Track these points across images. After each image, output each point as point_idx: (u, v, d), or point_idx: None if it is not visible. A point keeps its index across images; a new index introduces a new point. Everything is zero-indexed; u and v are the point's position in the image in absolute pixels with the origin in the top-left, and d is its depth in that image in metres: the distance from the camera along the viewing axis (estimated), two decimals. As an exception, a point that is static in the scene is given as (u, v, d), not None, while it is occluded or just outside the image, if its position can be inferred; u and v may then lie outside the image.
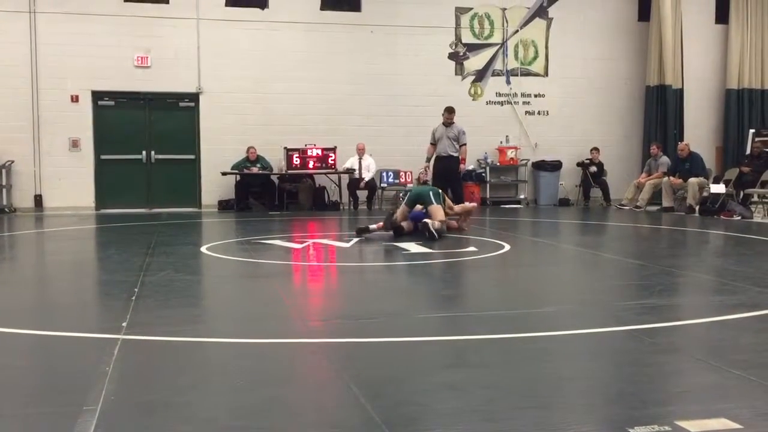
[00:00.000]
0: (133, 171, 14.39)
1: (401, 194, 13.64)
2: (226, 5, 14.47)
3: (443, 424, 2.67)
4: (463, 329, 4.21)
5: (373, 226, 9.01)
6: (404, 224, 9.10)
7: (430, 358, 3.70)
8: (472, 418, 2.73)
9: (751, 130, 15.68)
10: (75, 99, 13.94)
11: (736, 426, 2.60)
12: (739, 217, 11.88)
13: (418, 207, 9.24)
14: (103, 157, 14.21)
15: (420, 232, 8.82)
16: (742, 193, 13.00)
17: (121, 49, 13.95)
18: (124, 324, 4.23)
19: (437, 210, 9.00)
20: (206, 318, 4.85)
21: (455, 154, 11.64)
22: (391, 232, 8.98)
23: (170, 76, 14.23)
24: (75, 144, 14.00)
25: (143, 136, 14.43)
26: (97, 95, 14.12)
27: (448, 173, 11.83)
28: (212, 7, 14.35)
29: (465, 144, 11.71)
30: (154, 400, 2.97)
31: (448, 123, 11.81)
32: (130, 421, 2.76)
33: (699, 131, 16.25)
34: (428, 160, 12.24)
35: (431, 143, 12.26)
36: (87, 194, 14.10)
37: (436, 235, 8.55)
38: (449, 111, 11.88)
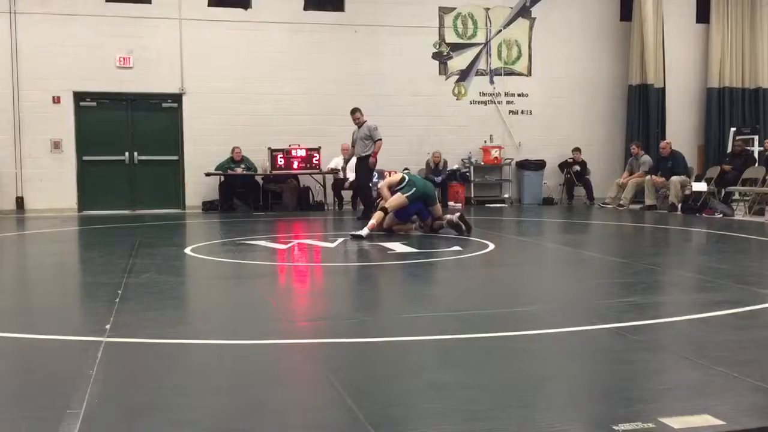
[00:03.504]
0: (115, 172, 14.30)
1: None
2: (209, 5, 14.40)
3: (428, 424, 2.67)
4: (447, 329, 4.22)
5: (365, 231, 8.87)
6: (396, 228, 9.31)
7: (415, 358, 3.71)
8: (457, 417, 2.74)
9: (732, 129, 15.82)
10: (57, 100, 13.82)
11: (719, 422, 2.63)
12: (721, 215, 11.99)
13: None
14: (85, 158, 14.11)
15: (422, 228, 9.47)
16: (723, 191, 13.11)
17: (103, 50, 13.86)
18: (108, 326, 4.20)
19: (439, 209, 9.50)
20: (190, 320, 4.83)
21: (363, 154, 11.61)
22: (380, 230, 9.15)
23: (153, 76, 14.15)
24: (57, 145, 13.89)
25: (126, 137, 14.34)
26: (78, 96, 14.01)
27: (360, 173, 11.89)
28: (195, 7, 14.27)
29: (379, 139, 11.58)
30: (139, 402, 2.96)
31: (357, 124, 11.78)
32: (114, 424, 2.74)
33: (681, 130, 16.38)
34: (346, 161, 12.41)
35: (351, 145, 12.32)
36: (69, 196, 14.00)
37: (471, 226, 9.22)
38: (351, 113, 11.86)
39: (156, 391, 3.12)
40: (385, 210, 9.12)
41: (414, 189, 9.18)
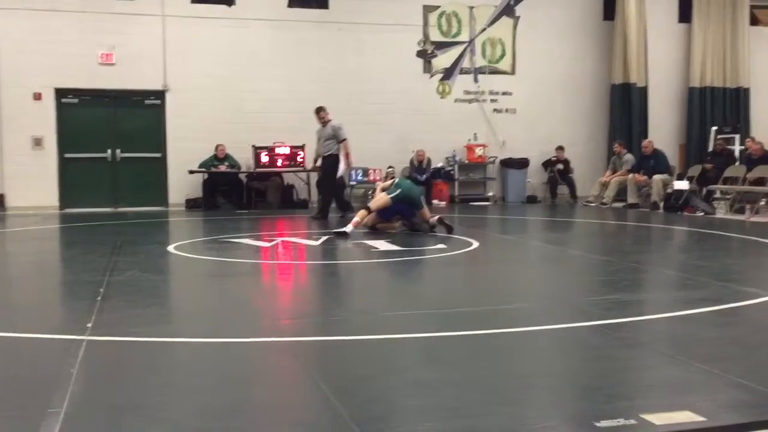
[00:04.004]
0: (98, 170, 14.18)
1: (371, 192, 13.64)
2: (192, 1, 14.32)
3: (412, 422, 2.67)
4: (431, 326, 4.22)
5: (349, 228, 8.95)
6: (380, 226, 9.38)
7: (398, 355, 3.71)
8: (441, 415, 2.74)
9: (714, 128, 15.95)
10: (38, 97, 13.69)
11: (700, 418, 2.65)
12: (702, 213, 12.09)
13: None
14: (67, 155, 13.99)
15: (407, 227, 9.45)
16: (705, 190, 13.22)
17: (85, 46, 13.74)
18: (90, 325, 4.17)
19: (426, 213, 9.50)
20: (173, 318, 4.80)
21: (327, 154, 11.58)
22: (364, 229, 9.21)
23: (135, 73, 14.05)
24: (38, 142, 13.76)
25: (108, 134, 14.22)
26: (60, 93, 13.89)
27: (324, 173, 11.87)
28: (178, 4, 14.18)
29: (344, 139, 11.53)
30: (120, 401, 2.94)
31: (322, 123, 11.75)
32: (95, 423, 2.72)
33: (663, 129, 16.50)
34: (314, 161, 12.42)
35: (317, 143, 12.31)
36: (51, 193, 13.87)
37: (452, 227, 9.18)
38: (316, 112, 11.83)
39: (138, 389, 3.10)
40: (368, 209, 9.32)
41: (399, 191, 9.37)
